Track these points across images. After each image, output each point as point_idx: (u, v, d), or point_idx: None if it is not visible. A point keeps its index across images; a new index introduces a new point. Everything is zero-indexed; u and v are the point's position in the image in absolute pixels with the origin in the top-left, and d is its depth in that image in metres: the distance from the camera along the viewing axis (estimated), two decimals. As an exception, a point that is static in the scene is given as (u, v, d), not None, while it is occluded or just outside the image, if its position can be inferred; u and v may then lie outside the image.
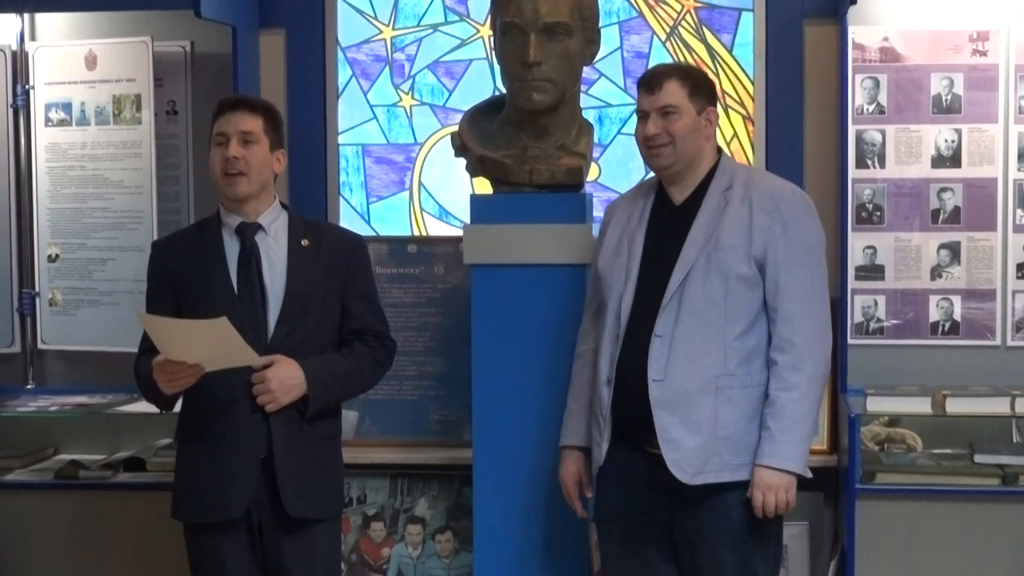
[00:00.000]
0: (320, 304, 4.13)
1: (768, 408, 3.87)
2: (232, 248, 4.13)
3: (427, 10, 5.65)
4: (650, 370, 3.88)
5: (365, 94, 5.69)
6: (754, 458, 3.87)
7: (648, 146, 4.01)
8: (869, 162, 5.27)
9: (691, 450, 3.86)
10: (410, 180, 5.70)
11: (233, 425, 4.05)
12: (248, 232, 4.13)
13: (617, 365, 3.96)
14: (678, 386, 3.87)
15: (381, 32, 5.68)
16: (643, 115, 4.02)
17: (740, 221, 3.93)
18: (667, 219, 4.05)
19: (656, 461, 3.90)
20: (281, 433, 4.05)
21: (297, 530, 4.08)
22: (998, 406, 4.91)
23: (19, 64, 5.60)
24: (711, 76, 4.24)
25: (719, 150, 4.13)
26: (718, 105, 4.13)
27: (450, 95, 5.66)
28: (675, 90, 3.98)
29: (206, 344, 3.88)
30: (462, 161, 4.74)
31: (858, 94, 5.25)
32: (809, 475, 3.94)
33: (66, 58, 5.54)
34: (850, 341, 5.15)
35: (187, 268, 4.14)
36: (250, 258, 4.11)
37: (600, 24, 4.67)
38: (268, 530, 4.08)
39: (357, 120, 5.69)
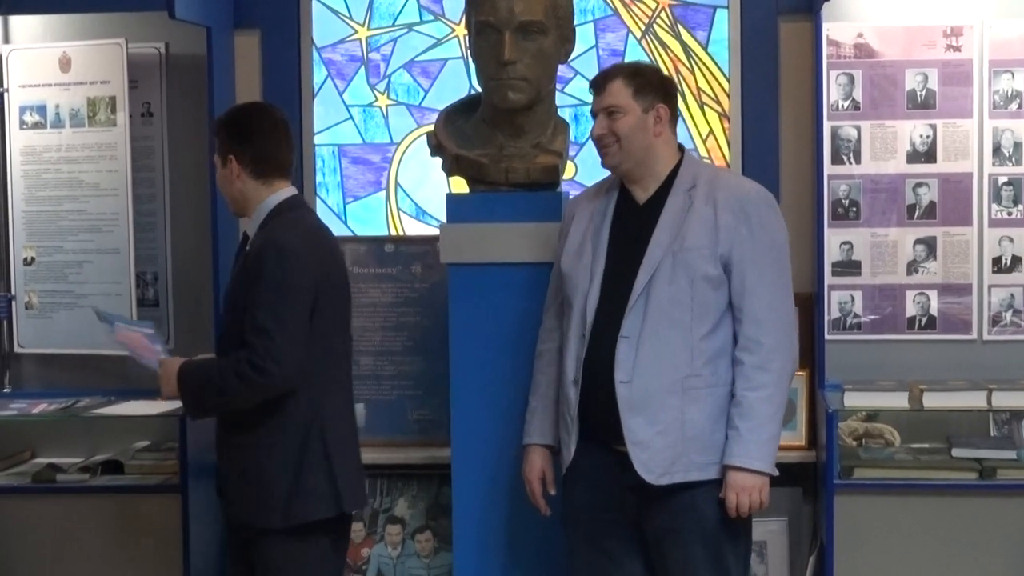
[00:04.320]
0: (234, 310, 4.07)
1: (735, 408, 3.87)
2: None
3: (402, 10, 5.65)
4: (617, 371, 3.88)
5: (341, 94, 5.68)
6: (722, 457, 3.87)
7: (598, 146, 4.05)
8: (845, 158, 5.28)
9: (659, 451, 3.86)
10: (386, 180, 5.70)
11: None
12: (244, 241, 4.24)
13: (584, 365, 3.96)
14: (645, 387, 3.87)
15: (356, 32, 5.68)
16: (594, 116, 4.06)
17: (705, 221, 3.92)
18: (631, 218, 4.04)
19: (625, 460, 3.89)
20: (218, 436, 4.17)
21: (248, 533, 4.10)
22: (975, 400, 4.93)
23: (-7, 67, 5.59)
24: (666, 73, 4.20)
25: (682, 148, 4.12)
26: (679, 101, 4.12)
27: (426, 94, 5.66)
28: (619, 90, 3.99)
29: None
30: (438, 160, 4.74)
31: (833, 90, 5.26)
32: (777, 473, 3.92)
33: (40, 60, 5.53)
34: (827, 337, 5.16)
35: None
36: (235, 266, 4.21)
37: (575, 22, 4.67)
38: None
39: (333, 120, 5.68)
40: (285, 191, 4.17)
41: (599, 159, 4.10)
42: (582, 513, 4.05)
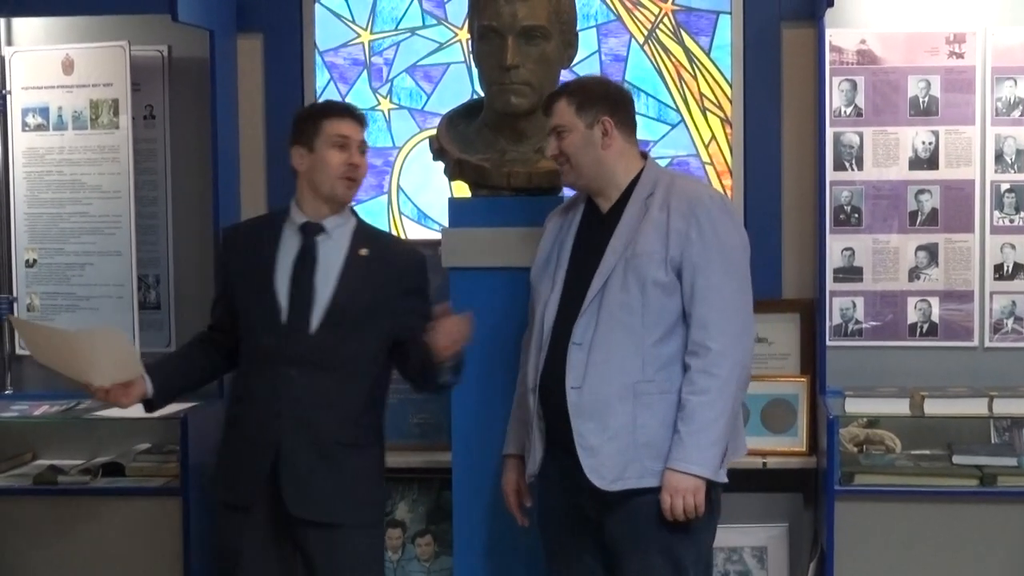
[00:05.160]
0: (365, 314, 4.12)
1: (680, 412, 3.85)
2: (291, 246, 4.18)
3: (405, 14, 5.66)
4: (568, 377, 3.90)
5: (343, 98, 5.67)
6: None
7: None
8: (847, 164, 5.28)
9: (609, 456, 3.87)
10: (389, 184, 5.70)
11: (254, 415, 4.13)
12: (310, 231, 4.17)
13: (541, 373, 3.98)
14: (596, 393, 3.87)
15: (359, 36, 5.68)
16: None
17: (658, 227, 3.93)
18: (593, 228, 4.06)
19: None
20: (290, 431, 4.08)
21: (322, 530, 4.11)
22: (976, 407, 4.92)
23: (-5, 69, 5.59)
24: (613, 86, 4.17)
25: (645, 156, 4.13)
26: (624, 113, 4.09)
27: (428, 99, 5.66)
28: (563, 109, 4.02)
29: (95, 355, 4.04)
30: (440, 165, 4.74)
31: (835, 96, 5.26)
32: (723, 480, 3.91)
33: (43, 63, 5.53)
34: (829, 343, 5.17)
35: (245, 258, 4.22)
36: (306, 258, 4.15)
37: (578, 27, 4.68)
38: (295, 524, 4.11)
39: (335, 124, 5.68)
40: None
41: None
42: (553, 518, 4.09)
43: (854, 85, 5.27)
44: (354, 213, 4.29)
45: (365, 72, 5.68)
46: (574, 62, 4.72)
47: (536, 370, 4.01)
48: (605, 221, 4.04)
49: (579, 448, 3.88)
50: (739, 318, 3.92)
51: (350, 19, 5.68)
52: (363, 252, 4.17)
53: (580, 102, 4.01)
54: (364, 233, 4.25)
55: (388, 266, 4.19)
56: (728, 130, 5.50)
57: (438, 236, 4.80)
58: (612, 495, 3.88)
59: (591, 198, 4.11)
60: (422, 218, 5.69)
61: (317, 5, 5.66)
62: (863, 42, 5.27)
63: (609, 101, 4.05)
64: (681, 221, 3.91)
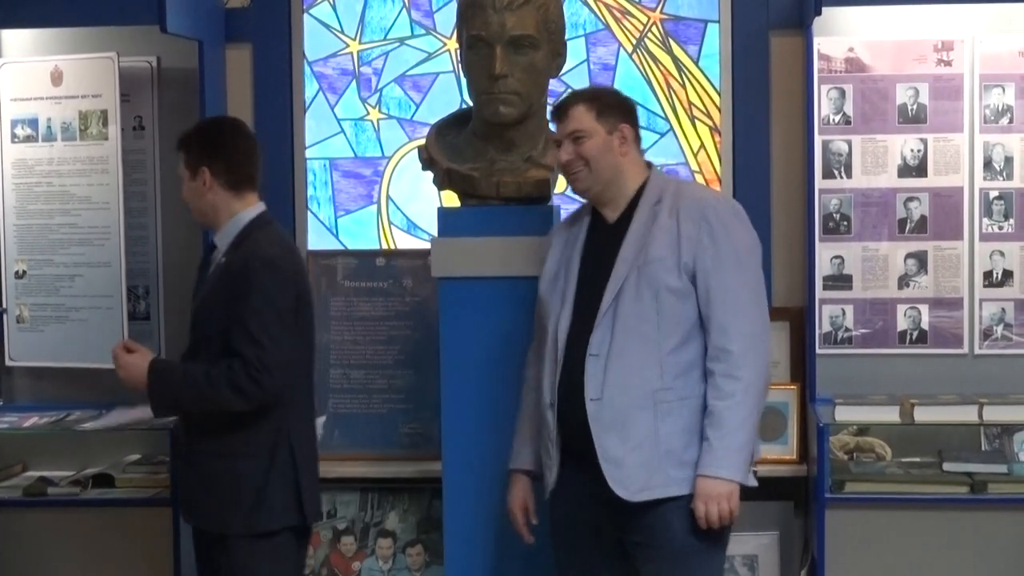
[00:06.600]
0: (209, 322, 4.15)
1: (707, 419, 3.85)
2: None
3: (394, 24, 5.66)
4: (587, 389, 3.88)
5: (332, 108, 5.68)
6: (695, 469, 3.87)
7: (566, 172, 4.06)
8: (836, 172, 5.28)
9: (633, 467, 3.86)
10: (378, 194, 5.70)
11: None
12: (207, 249, 4.33)
13: (558, 387, 3.97)
14: (615, 404, 3.86)
15: (348, 46, 5.68)
16: (558, 143, 4.06)
17: (668, 233, 3.93)
18: (601, 239, 4.05)
19: (601, 476, 3.89)
20: (181, 441, 4.29)
21: (217, 539, 4.17)
22: (966, 414, 4.93)
23: (-16, 80, 5.58)
24: (624, 96, 4.18)
25: (649, 165, 4.13)
26: (636, 123, 4.10)
27: (417, 108, 5.66)
28: (582, 114, 4.00)
29: None
30: (430, 174, 4.74)
31: (824, 104, 5.27)
32: (753, 483, 3.93)
33: (32, 74, 5.51)
34: (818, 351, 5.16)
35: None
36: (201, 275, 4.31)
37: (566, 36, 4.68)
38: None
39: (324, 134, 5.69)
40: (258, 206, 4.29)
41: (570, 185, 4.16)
42: (566, 530, 4.07)
43: (842, 93, 5.27)
44: (259, 223, 4.26)
45: (354, 82, 5.68)
46: (563, 71, 4.73)
47: (552, 385, 4.00)
48: (613, 231, 4.03)
49: (602, 461, 3.86)
50: (756, 319, 3.93)
51: (339, 29, 5.68)
52: (222, 260, 4.20)
53: (599, 109, 4.01)
54: (237, 244, 4.20)
55: (231, 272, 4.14)
56: (717, 138, 5.50)
57: (427, 246, 4.79)
58: (631, 505, 3.87)
59: (595, 209, 4.11)
60: (411, 228, 5.68)
61: (306, 15, 5.66)
62: (851, 50, 5.27)
63: (624, 109, 4.08)
64: (692, 226, 3.92)
